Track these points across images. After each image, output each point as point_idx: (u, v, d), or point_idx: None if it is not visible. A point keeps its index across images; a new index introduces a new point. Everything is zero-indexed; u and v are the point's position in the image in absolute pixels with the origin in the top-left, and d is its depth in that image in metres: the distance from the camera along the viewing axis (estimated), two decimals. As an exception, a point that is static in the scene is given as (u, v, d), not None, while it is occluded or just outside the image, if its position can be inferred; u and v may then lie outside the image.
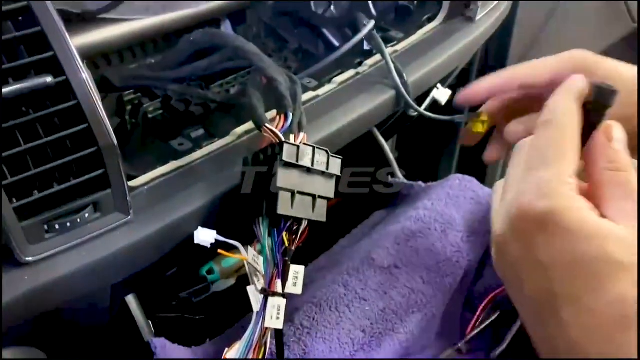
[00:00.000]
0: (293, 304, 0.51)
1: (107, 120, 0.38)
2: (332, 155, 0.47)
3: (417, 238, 0.59)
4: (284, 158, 0.43)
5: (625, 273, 0.28)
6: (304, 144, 0.45)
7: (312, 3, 0.83)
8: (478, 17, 0.73)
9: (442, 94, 0.63)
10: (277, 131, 0.45)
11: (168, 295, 0.71)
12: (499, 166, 1.12)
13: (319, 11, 0.83)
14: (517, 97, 0.46)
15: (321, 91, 0.59)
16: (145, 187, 0.44)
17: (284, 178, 0.43)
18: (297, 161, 0.44)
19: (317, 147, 0.46)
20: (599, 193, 0.32)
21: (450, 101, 0.61)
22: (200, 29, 0.53)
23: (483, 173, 1.08)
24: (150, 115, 0.59)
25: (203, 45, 0.54)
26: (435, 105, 0.64)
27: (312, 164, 0.45)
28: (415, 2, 0.77)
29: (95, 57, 0.63)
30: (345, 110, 0.59)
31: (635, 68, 0.43)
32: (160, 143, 0.52)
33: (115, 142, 0.38)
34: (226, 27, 0.80)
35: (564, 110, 0.34)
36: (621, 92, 0.35)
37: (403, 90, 0.60)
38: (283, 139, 0.44)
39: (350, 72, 0.62)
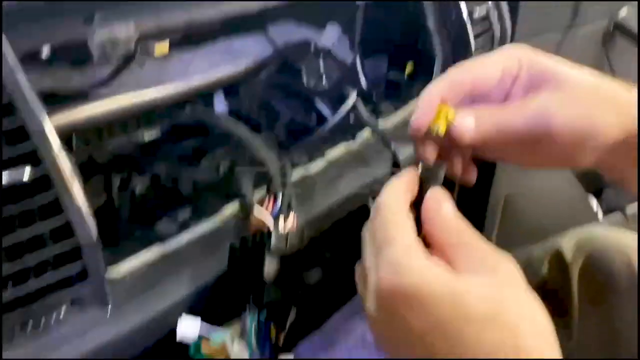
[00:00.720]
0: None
1: (89, 213, 0.36)
2: (319, 237, 0.45)
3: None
4: (272, 247, 0.41)
5: (490, 322, 0.31)
6: (294, 228, 0.44)
7: (303, 75, 0.84)
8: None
9: None
10: (266, 217, 0.44)
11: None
12: (494, 224, 1.10)
13: (311, 83, 0.84)
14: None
15: (312, 168, 0.58)
16: (127, 277, 0.43)
17: (272, 267, 0.42)
18: (286, 249, 0.42)
19: (308, 230, 0.44)
20: (446, 256, 0.34)
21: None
22: (190, 107, 0.52)
23: (481, 227, 1.06)
24: (138, 193, 0.58)
25: (192, 123, 0.54)
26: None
27: (302, 251, 0.43)
28: (406, 76, 0.77)
29: (85, 132, 0.63)
30: (337, 188, 0.58)
31: (584, 71, 0.41)
32: (146, 225, 0.50)
33: (96, 237, 0.36)
34: (219, 100, 0.81)
35: (391, 193, 0.37)
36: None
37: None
38: (272, 227, 0.43)
39: (342, 147, 0.62)
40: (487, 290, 0.32)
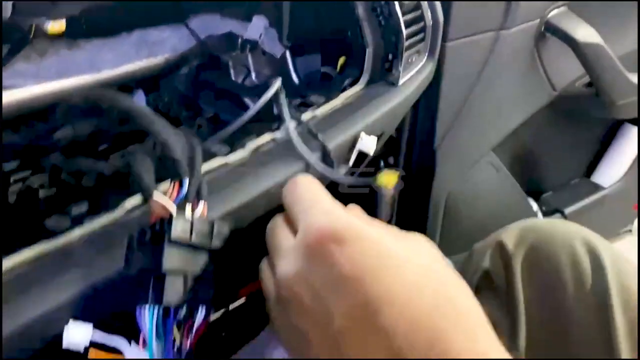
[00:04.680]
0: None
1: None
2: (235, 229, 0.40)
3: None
4: (173, 235, 0.36)
5: (426, 271, 0.32)
6: (203, 217, 0.39)
7: (231, 71, 0.79)
8: (401, 82, 0.71)
9: (368, 144, 0.58)
10: (167, 202, 0.38)
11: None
12: (438, 222, 1.08)
13: (239, 80, 0.79)
14: None
15: (231, 158, 0.53)
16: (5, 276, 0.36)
17: (173, 259, 0.36)
18: (190, 239, 0.37)
19: (219, 221, 0.39)
20: None
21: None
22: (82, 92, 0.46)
23: (424, 225, 1.03)
24: (37, 192, 0.51)
25: (85, 107, 0.48)
26: (363, 158, 0.59)
27: (210, 242, 0.38)
28: (337, 68, 0.74)
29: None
30: (256, 179, 0.53)
31: None
32: (36, 222, 0.44)
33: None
34: (138, 96, 0.75)
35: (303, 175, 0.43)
36: None
37: (310, 159, 0.54)
38: (174, 213, 0.38)
39: (265, 137, 0.57)
40: (409, 244, 0.35)
